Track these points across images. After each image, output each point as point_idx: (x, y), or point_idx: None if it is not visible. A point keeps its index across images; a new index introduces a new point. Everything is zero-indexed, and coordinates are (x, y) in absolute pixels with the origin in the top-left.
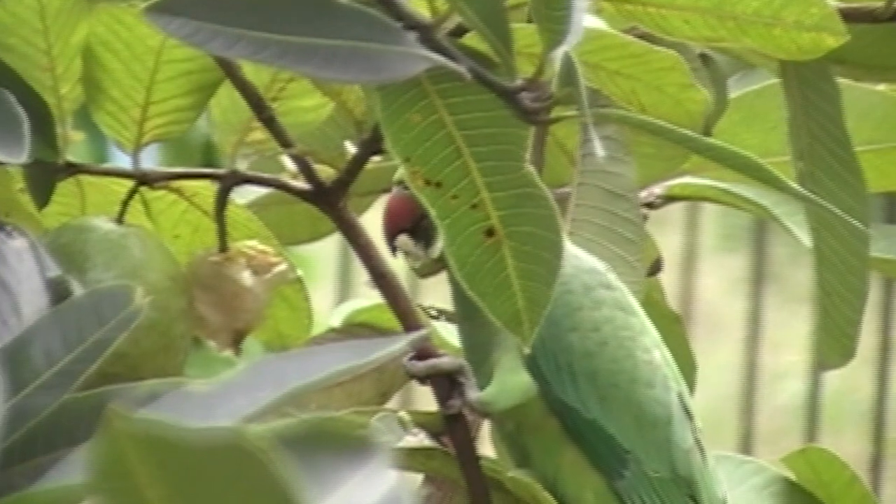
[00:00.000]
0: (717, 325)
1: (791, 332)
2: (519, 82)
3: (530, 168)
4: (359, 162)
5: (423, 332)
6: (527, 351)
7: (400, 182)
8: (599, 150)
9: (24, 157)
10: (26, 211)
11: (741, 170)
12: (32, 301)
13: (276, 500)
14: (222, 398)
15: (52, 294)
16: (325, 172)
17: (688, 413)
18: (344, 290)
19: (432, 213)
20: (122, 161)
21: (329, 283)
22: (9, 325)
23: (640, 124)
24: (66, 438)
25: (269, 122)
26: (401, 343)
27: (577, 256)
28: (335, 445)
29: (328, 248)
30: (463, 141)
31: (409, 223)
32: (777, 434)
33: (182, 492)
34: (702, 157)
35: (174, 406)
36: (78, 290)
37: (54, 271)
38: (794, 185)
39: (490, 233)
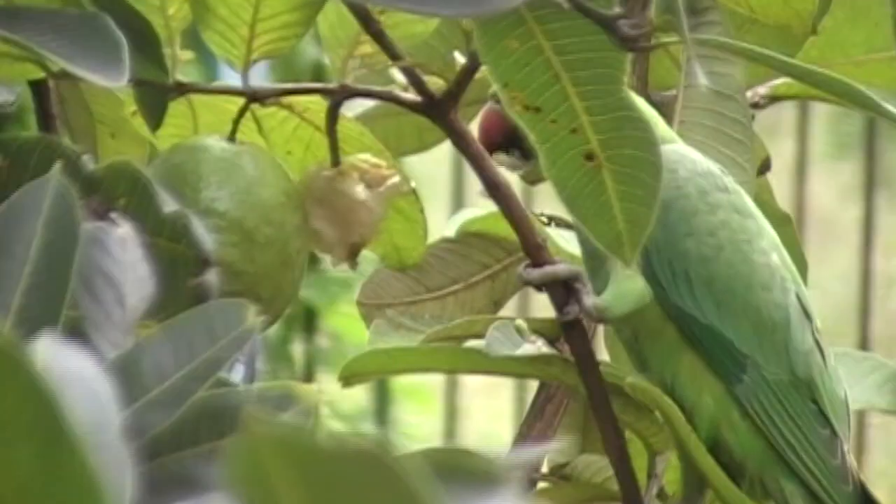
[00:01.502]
0: (831, 232)
1: None
2: (617, 10)
3: (629, 91)
4: (468, 72)
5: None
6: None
7: (493, 95)
8: (703, 79)
9: (123, 81)
10: (137, 133)
11: (841, 95)
12: (137, 291)
13: None
14: None
15: (170, 229)
16: (435, 84)
17: (807, 314)
18: (458, 207)
19: (531, 137)
20: (234, 80)
21: (443, 199)
22: (113, 318)
23: (739, 51)
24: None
25: (377, 35)
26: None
27: (692, 160)
28: (467, 476)
29: (442, 164)
30: (561, 66)
31: (501, 137)
32: (894, 339)
33: (319, 499)
34: (801, 83)
35: None
36: (197, 226)
37: (171, 206)
38: (894, 112)
39: (590, 157)
